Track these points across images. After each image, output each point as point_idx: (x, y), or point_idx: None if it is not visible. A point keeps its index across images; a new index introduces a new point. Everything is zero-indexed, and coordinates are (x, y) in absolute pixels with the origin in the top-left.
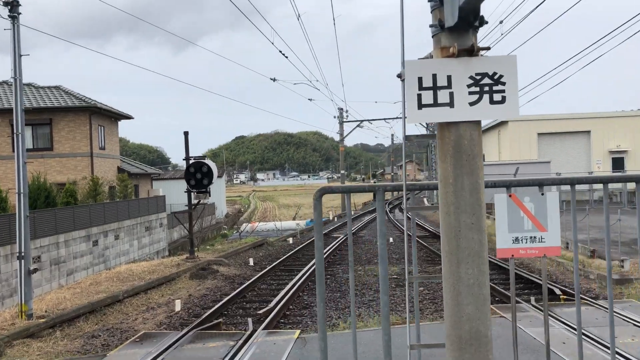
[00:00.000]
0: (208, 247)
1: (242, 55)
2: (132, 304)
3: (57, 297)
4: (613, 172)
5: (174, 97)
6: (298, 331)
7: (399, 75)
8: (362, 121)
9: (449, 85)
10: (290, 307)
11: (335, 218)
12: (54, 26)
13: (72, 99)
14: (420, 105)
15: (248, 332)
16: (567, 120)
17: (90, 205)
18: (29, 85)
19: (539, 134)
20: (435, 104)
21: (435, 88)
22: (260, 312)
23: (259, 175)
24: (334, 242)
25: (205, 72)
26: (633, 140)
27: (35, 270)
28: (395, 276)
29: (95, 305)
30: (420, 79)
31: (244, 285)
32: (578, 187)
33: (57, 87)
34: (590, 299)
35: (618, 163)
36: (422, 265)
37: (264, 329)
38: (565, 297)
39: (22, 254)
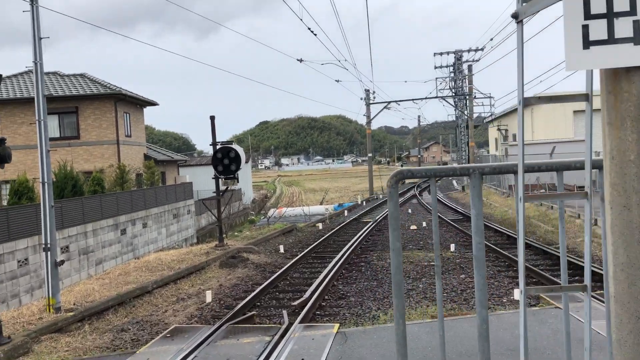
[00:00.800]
0: (236, 233)
1: (266, 39)
2: (162, 295)
3: (85, 288)
4: None
5: (198, 84)
6: (337, 325)
7: (515, 16)
8: (389, 102)
9: (633, 10)
10: (326, 297)
11: (364, 202)
12: (78, 16)
13: (97, 87)
14: (587, 43)
15: (284, 327)
16: None
17: (117, 194)
18: (54, 73)
19: (575, 112)
20: (611, 39)
21: (610, 15)
22: (295, 303)
23: (284, 160)
24: (366, 227)
25: (229, 58)
26: None
27: (62, 262)
28: (433, 263)
29: (124, 297)
30: (586, 3)
31: (276, 275)
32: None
33: (82, 75)
34: None
35: None
36: (461, 252)
37: (300, 322)
38: None
39: (49, 246)
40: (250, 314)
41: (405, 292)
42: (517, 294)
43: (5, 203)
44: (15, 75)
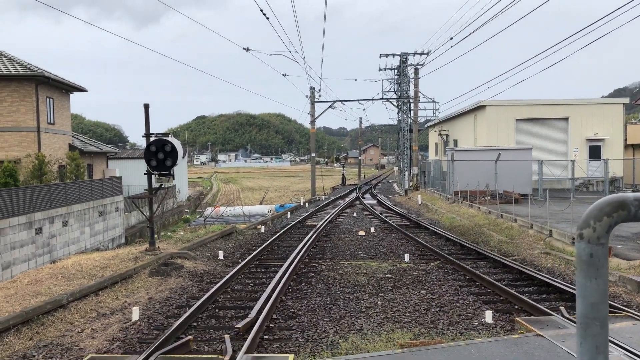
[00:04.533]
0: (170, 233)
1: (209, 32)
2: (79, 310)
3: None
4: (590, 160)
5: (134, 75)
6: (291, 356)
7: None
8: (334, 102)
9: None
10: (274, 316)
11: (307, 204)
12: None
13: (15, 67)
14: None
15: (227, 358)
16: (546, 107)
17: (33, 187)
18: None
19: (517, 120)
20: None
21: None
22: (239, 325)
23: (220, 157)
24: (312, 232)
25: (169, 49)
26: (610, 128)
27: None
28: (389, 275)
29: (31, 314)
30: None
31: (216, 286)
32: (558, 174)
33: None
34: (634, 312)
35: (595, 151)
36: (416, 262)
37: (246, 352)
38: None
39: None
40: (185, 339)
41: (363, 310)
42: (488, 316)
43: None
44: None
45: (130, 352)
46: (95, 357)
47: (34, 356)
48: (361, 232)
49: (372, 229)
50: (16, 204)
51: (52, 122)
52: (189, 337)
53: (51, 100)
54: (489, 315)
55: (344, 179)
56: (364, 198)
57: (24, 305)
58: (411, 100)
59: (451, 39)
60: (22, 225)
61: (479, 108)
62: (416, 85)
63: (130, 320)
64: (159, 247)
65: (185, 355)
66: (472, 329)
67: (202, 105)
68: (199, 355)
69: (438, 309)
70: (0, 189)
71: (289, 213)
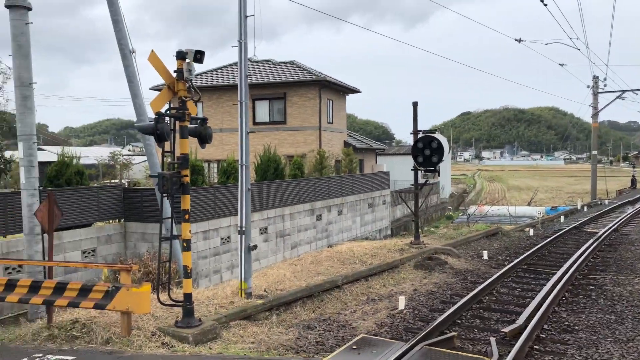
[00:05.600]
0: (432, 229)
1: (476, 28)
2: (352, 292)
3: (277, 274)
4: None
5: (400, 74)
6: None
7: None
8: (624, 91)
9: None
10: (545, 327)
11: (585, 208)
12: (296, 9)
13: (304, 73)
14: None
15: None
16: None
17: (315, 179)
18: (267, 61)
19: None
20: None
21: None
22: (506, 330)
23: (484, 154)
24: (591, 240)
25: (436, 46)
26: None
27: (255, 247)
28: None
29: (313, 290)
30: None
31: (480, 287)
32: None
33: (291, 62)
34: None
35: None
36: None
37: (514, 358)
38: None
39: (243, 229)
40: (449, 334)
41: None
42: None
43: (216, 181)
44: (229, 65)
45: (397, 338)
46: (366, 338)
47: (316, 327)
48: None
49: None
50: (302, 192)
51: (331, 121)
52: (453, 333)
53: (331, 102)
54: None
55: (634, 181)
56: None
57: (307, 282)
58: None
59: None
60: (306, 211)
61: None
62: None
63: (397, 309)
64: (423, 242)
65: (449, 351)
66: None
67: (466, 102)
68: (464, 353)
69: None
70: (291, 179)
71: (562, 217)
